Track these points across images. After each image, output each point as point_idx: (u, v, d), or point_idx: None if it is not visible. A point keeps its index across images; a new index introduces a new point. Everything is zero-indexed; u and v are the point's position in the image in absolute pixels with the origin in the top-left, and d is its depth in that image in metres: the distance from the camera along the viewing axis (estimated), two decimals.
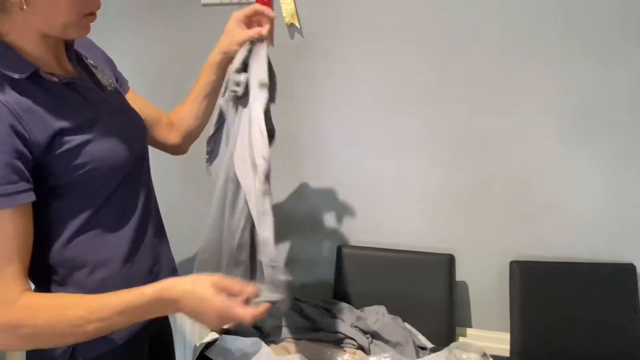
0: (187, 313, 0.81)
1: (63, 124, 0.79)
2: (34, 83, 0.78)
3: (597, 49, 1.34)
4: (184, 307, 0.79)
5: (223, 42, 1.06)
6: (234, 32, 1.03)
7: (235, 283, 0.82)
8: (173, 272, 1.09)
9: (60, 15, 0.77)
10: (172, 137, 1.16)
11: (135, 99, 1.08)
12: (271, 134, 1.05)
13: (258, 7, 1.04)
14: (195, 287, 0.79)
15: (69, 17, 0.78)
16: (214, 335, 1.34)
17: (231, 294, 0.81)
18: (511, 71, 1.41)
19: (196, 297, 0.79)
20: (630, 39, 1.32)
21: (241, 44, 1.02)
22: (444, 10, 1.44)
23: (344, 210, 1.63)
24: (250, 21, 1.05)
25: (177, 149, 1.19)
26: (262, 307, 0.82)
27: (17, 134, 0.73)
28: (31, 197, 0.75)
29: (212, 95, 1.13)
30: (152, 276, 0.99)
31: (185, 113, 1.16)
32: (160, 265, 1.02)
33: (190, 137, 1.19)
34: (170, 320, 1.18)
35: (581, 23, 1.34)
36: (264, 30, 1.01)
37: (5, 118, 0.72)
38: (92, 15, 0.82)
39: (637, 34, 1.31)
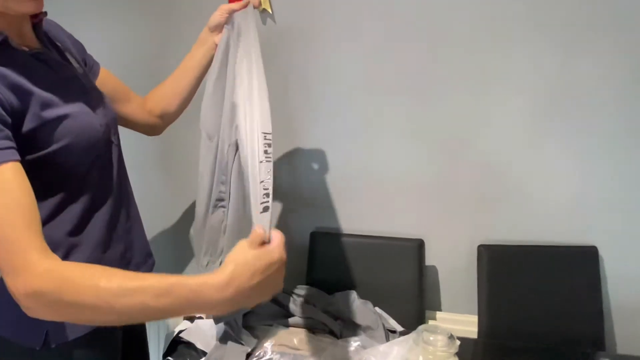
0: (251, 293, 0.69)
1: (38, 92, 0.78)
2: (3, 52, 0.76)
3: (566, 37, 1.36)
4: (240, 283, 0.68)
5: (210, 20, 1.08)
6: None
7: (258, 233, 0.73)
8: (147, 256, 1.09)
9: None
10: (145, 116, 1.16)
11: (107, 76, 1.09)
12: None
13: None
14: (236, 256, 0.70)
15: None
16: (186, 324, 1.34)
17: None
18: (478, 59, 1.42)
19: (244, 263, 0.69)
20: (595, 26, 1.34)
21: (225, 11, 1.05)
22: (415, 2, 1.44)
23: (316, 198, 1.64)
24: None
25: (150, 129, 1.19)
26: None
27: None
28: (13, 155, 0.71)
29: (196, 74, 1.13)
30: (124, 262, 1.00)
31: (165, 91, 1.15)
32: (133, 251, 1.03)
33: (166, 117, 1.18)
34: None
35: (547, 11, 1.36)
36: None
37: None
38: None
39: (601, 21, 1.33)
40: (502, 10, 1.38)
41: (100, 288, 0.65)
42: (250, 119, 0.90)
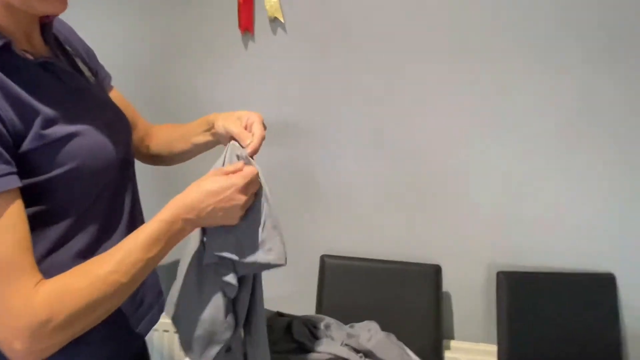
0: (210, 213, 0.75)
1: (42, 108, 0.67)
2: (4, 58, 0.66)
3: (587, 58, 1.34)
4: (202, 208, 0.74)
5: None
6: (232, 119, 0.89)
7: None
8: (159, 295, 0.98)
9: None
10: (144, 147, 1.05)
11: (116, 96, 0.97)
12: None
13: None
14: (201, 182, 0.77)
15: None
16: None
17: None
18: (500, 81, 1.39)
19: (205, 189, 0.75)
20: (620, 46, 1.32)
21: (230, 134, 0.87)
22: (439, 15, 1.40)
23: (327, 220, 1.56)
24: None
25: (147, 160, 1.08)
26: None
27: None
28: (14, 181, 0.62)
29: (194, 153, 1.02)
30: (135, 304, 0.88)
31: (164, 139, 1.05)
32: (145, 288, 0.91)
33: (159, 162, 1.08)
34: (148, 344, 1.07)
35: (571, 28, 1.34)
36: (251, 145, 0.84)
37: None
38: None
39: (626, 40, 1.32)
40: (526, 28, 1.36)
41: (100, 276, 0.66)
42: None
